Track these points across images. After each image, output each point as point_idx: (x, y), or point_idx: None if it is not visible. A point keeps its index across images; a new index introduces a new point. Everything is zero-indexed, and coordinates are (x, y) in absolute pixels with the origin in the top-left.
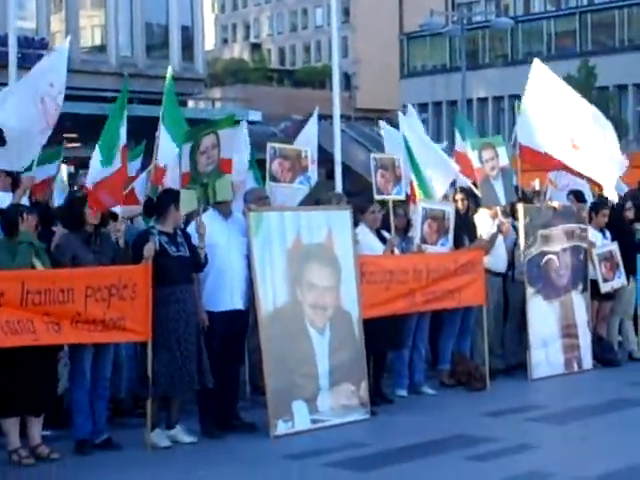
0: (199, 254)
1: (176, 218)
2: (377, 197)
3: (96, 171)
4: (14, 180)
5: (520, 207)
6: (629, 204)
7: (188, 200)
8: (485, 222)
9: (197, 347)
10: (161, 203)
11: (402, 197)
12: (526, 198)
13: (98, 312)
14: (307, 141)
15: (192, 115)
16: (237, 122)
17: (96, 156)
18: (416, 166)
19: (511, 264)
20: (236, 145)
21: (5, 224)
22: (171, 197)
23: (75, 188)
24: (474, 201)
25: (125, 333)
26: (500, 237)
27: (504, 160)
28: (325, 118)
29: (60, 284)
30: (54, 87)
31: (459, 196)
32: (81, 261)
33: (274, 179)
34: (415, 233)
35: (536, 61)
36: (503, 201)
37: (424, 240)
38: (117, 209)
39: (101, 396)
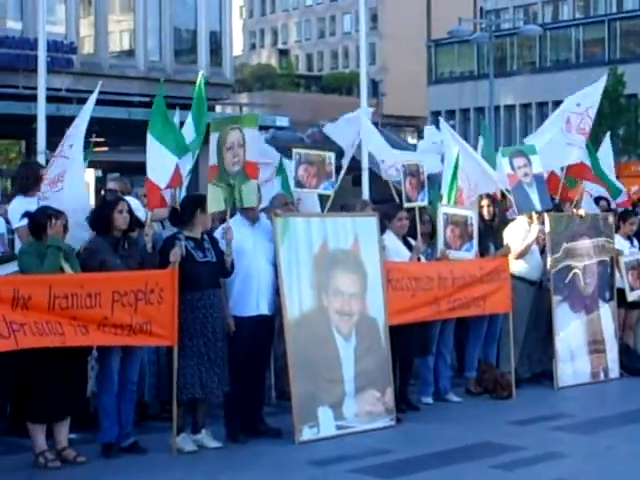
0: (226, 260)
1: (203, 222)
2: (407, 205)
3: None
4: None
5: (546, 216)
6: None
7: (215, 198)
8: (521, 229)
9: (222, 353)
10: (186, 209)
11: (426, 204)
12: (557, 207)
13: (125, 317)
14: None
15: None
16: (263, 128)
17: (158, 156)
18: (455, 178)
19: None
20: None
21: (34, 227)
22: (196, 202)
23: (103, 192)
24: (499, 208)
25: (151, 337)
26: (534, 245)
27: (537, 167)
28: None
29: (87, 288)
30: None
31: (484, 202)
32: (109, 266)
33: (299, 185)
34: (438, 239)
35: None
36: (539, 207)
37: (448, 245)
38: (144, 214)
39: (128, 400)
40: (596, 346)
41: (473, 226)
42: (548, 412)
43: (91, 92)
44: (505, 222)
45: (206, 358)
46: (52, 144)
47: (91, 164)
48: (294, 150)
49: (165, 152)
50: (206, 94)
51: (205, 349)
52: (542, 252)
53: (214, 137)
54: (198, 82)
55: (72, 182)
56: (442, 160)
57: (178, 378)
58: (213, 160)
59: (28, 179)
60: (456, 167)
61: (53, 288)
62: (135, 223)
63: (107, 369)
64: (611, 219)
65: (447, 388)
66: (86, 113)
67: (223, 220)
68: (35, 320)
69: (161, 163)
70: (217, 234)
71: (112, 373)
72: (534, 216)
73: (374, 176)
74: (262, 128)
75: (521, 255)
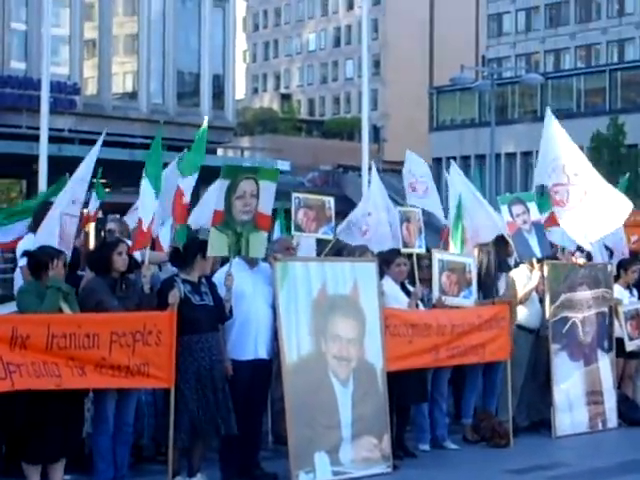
0: (224, 306)
1: (202, 267)
2: (404, 250)
3: (150, 207)
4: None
5: (545, 264)
6: None
7: (218, 244)
8: (523, 276)
9: (222, 394)
10: (188, 252)
11: (423, 250)
12: (555, 256)
13: (123, 357)
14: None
15: (221, 163)
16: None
17: (147, 194)
18: (459, 219)
19: None
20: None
21: (34, 266)
22: (198, 246)
23: (103, 234)
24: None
25: (149, 379)
26: (534, 293)
27: (535, 215)
28: (352, 170)
29: (85, 329)
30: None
31: (484, 252)
32: (106, 306)
33: (299, 229)
34: (433, 285)
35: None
36: (539, 253)
37: (444, 292)
38: (139, 255)
39: (124, 442)
40: (594, 397)
41: (472, 273)
42: (545, 461)
43: (93, 133)
44: (502, 269)
45: (204, 402)
46: (53, 184)
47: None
48: (293, 194)
49: (150, 192)
50: (206, 137)
51: (204, 391)
52: (541, 301)
53: (224, 183)
54: (203, 126)
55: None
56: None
57: (175, 423)
58: (220, 205)
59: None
60: (459, 208)
61: (51, 327)
62: (133, 264)
63: (102, 411)
64: (610, 268)
65: (444, 435)
66: (90, 162)
67: (219, 263)
68: (32, 361)
69: (148, 203)
70: (216, 278)
71: (107, 415)
72: (535, 263)
73: None
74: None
75: (521, 301)
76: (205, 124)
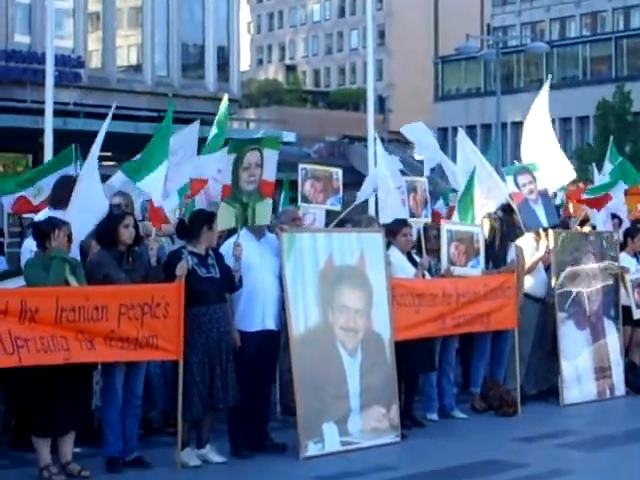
0: (233, 276)
1: (209, 239)
2: (411, 220)
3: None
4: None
5: (550, 233)
6: None
7: (227, 217)
8: (529, 245)
9: (229, 366)
10: (193, 224)
11: (429, 220)
12: (564, 224)
13: (131, 330)
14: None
15: (226, 136)
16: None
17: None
18: (470, 188)
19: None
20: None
21: (38, 237)
22: (204, 218)
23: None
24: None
25: (157, 351)
26: (540, 262)
27: (540, 184)
28: (358, 140)
29: (94, 301)
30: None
31: (491, 220)
32: (112, 279)
33: (306, 200)
34: (442, 255)
35: None
36: (545, 223)
37: (452, 262)
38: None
39: (133, 414)
40: (603, 372)
41: (479, 242)
42: (553, 429)
43: (98, 106)
44: (511, 238)
45: (211, 373)
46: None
47: None
48: (300, 165)
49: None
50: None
51: (211, 364)
52: (547, 269)
53: (231, 158)
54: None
55: (86, 189)
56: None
57: (183, 395)
58: (227, 179)
59: (62, 193)
60: (471, 181)
61: (60, 300)
62: (140, 237)
63: (111, 384)
64: (616, 237)
65: (452, 405)
66: (100, 136)
67: (226, 236)
68: (41, 335)
69: (156, 180)
70: (223, 249)
71: (116, 388)
72: (541, 233)
73: None
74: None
75: (528, 271)
76: (225, 101)
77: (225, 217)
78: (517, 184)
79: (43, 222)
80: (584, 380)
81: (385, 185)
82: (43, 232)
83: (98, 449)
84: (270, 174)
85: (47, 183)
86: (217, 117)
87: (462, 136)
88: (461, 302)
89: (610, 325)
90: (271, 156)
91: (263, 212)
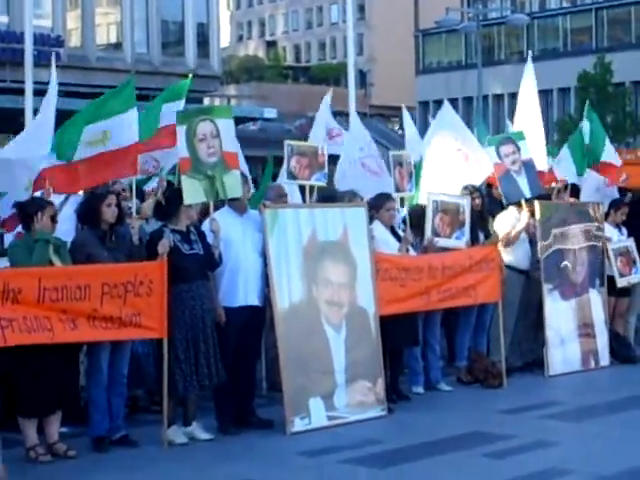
0: (213, 253)
1: (188, 215)
2: (396, 194)
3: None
4: None
5: (536, 204)
6: None
7: (192, 190)
8: (512, 217)
9: (212, 343)
10: (170, 203)
11: (414, 193)
12: (546, 195)
13: (114, 309)
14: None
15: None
16: (251, 120)
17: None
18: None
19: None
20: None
21: (22, 217)
22: (179, 195)
23: None
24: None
25: (141, 330)
26: (524, 234)
27: (526, 153)
28: (340, 115)
29: (77, 281)
30: None
31: (474, 194)
32: (96, 259)
33: (292, 176)
34: (426, 226)
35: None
36: (528, 194)
37: (436, 233)
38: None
39: (118, 393)
40: (586, 330)
41: (465, 214)
42: (539, 400)
43: (78, 85)
44: (493, 213)
45: (195, 350)
46: None
47: None
48: (286, 142)
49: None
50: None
51: (195, 341)
52: (531, 243)
53: (181, 129)
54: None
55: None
56: None
57: (169, 373)
58: (183, 152)
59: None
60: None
61: (43, 280)
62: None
63: (96, 362)
64: (601, 207)
65: (438, 378)
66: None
67: (207, 213)
68: (24, 315)
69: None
70: (205, 226)
71: (101, 366)
72: (524, 204)
73: None
74: (250, 120)
75: (511, 243)
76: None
77: (191, 191)
78: (499, 155)
79: (27, 203)
80: (568, 341)
81: (350, 155)
82: (27, 213)
83: (84, 428)
84: (231, 145)
85: None
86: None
87: (446, 108)
88: (446, 276)
89: (595, 296)
90: (227, 126)
91: (232, 184)
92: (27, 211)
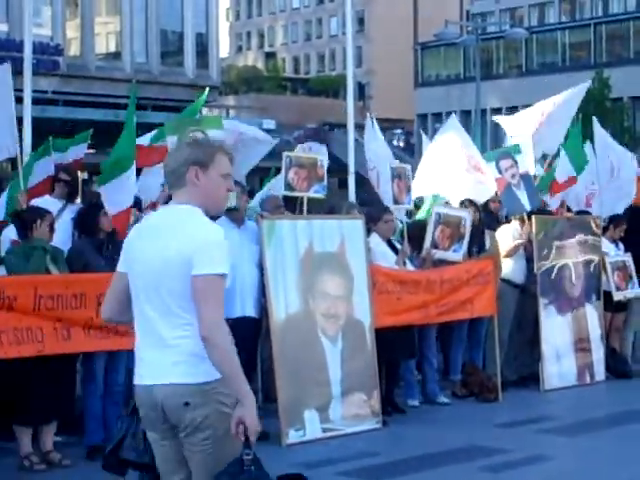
0: None
1: None
2: (394, 207)
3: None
4: (70, 189)
5: (533, 219)
6: None
7: None
8: (514, 230)
9: None
10: None
11: (412, 206)
12: (546, 211)
13: None
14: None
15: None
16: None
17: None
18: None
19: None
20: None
21: (21, 226)
22: None
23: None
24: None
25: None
26: (520, 249)
27: (523, 167)
28: (339, 127)
29: (72, 289)
30: None
31: (470, 208)
32: (93, 267)
33: (290, 188)
34: (426, 237)
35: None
36: (528, 207)
37: (435, 245)
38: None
39: (114, 402)
40: (582, 345)
41: (466, 227)
42: (534, 415)
43: (77, 94)
44: (492, 227)
45: None
46: (37, 146)
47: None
48: (284, 153)
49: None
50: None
51: None
52: (528, 260)
53: (172, 140)
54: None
55: None
56: None
57: None
58: None
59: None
60: None
61: (39, 289)
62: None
63: (91, 371)
64: (599, 222)
65: (435, 390)
66: None
67: None
68: (15, 326)
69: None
70: None
71: (97, 376)
72: (526, 218)
73: (360, 178)
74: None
75: (508, 255)
76: (205, 95)
77: None
78: (499, 169)
79: (26, 211)
80: (563, 356)
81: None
82: (26, 221)
83: (79, 438)
84: None
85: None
86: (193, 105)
87: (452, 121)
88: (444, 290)
89: (591, 310)
90: (218, 136)
91: None
92: (26, 219)
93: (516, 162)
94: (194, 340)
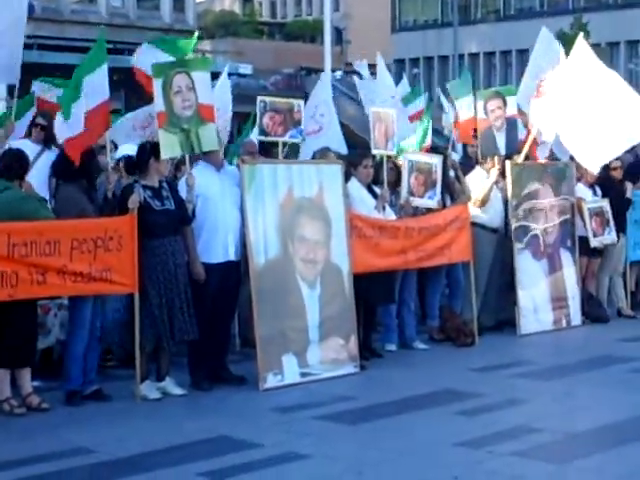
0: (186, 208)
1: (158, 170)
2: (374, 151)
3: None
4: (47, 134)
5: (507, 164)
6: (616, 163)
7: (169, 144)
8: (481, 176)
9: (185, 298)
10: (140, 158)
11: (394, 152)
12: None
13: (84, 264)
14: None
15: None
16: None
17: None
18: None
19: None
20: (219, 95)
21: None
22: (149, 150)
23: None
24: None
25: (112, 285)
26: (497, 193)
27: (512, 110)
28: (316, 72)
29: (46, 236)
30: None
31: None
32: (88, 213)
33: (264, 133)
34: (402, 186)
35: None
36: (503, 151)
37: (411, 193)
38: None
39: (94, 347)
40: (559, 302)
41: (437, 174)
42: (510, 359)
43: (52, 38)
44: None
45: (169, 305)
46: (11, 90)
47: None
48: (259, 98)
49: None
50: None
51: (167, 296)
52: (505, 204)
53: (157, 82)
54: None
55: None
56: None
57: (141, 327)
58: (160, 106)
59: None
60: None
61: (12, 236)
62: (96, 169)
63: (81, 317)
64: (573, 168)
65: (413, 336)
66: None
67: (176, 166)
68: None
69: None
70: (181, 182)
71: (86, 322)
72: (496, 161)
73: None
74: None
75: (483, 202)
76: (195, 37)
77: (168, 145)
78: (486, 110)
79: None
80: (541, 310)
81: (329, 114)
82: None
83: (57, 382)
84: (207, 97)
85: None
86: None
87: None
88: (422, 236)
89: (567, 256)
90: (202, 78)
91: (208, 137)
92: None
93: (506, 104)
94: None
